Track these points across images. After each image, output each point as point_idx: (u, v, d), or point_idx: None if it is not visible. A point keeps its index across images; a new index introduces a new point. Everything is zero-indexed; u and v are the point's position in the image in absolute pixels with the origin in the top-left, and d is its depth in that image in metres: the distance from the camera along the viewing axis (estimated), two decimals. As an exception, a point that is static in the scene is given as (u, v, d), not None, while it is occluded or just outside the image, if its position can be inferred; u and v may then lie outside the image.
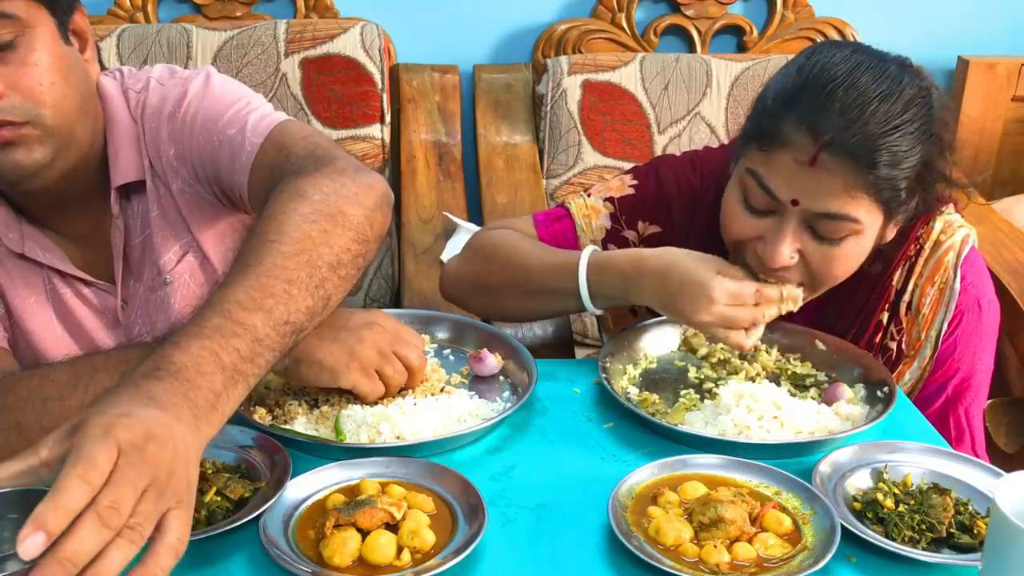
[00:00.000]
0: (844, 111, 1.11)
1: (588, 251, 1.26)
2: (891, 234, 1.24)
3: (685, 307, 1.16)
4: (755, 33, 2.35)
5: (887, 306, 1.32)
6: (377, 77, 2.14)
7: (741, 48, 2.37)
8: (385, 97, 2.16)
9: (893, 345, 1.32)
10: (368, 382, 1.13)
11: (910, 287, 1.30)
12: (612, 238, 1.39)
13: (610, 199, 1.39)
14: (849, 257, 1.20)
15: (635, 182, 1.40)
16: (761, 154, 1.18)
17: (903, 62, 1.18)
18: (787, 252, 1.18)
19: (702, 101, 2.22)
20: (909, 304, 1.31)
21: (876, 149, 1.11)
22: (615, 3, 2.30)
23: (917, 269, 1.30)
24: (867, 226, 1.17)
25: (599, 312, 1.27)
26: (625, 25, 2.32)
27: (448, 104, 2.25)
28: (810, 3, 2.35)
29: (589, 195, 1.41)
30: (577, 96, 2.20)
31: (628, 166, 1.56)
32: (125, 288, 1.31)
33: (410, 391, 1.18)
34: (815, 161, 1.12)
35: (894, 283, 1.31)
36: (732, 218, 1.23)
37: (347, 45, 2.12)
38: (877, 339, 1.33)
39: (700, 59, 2.25)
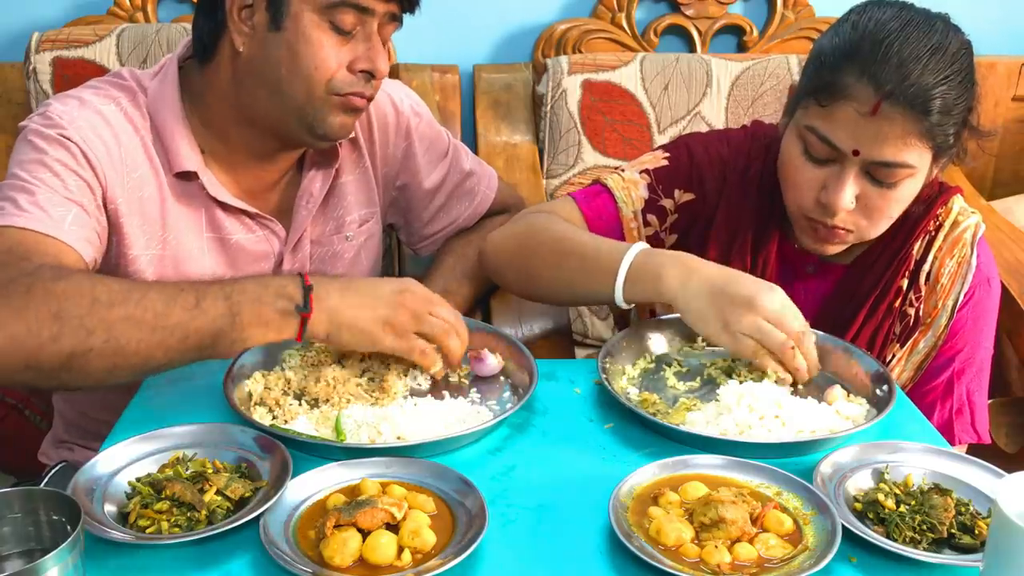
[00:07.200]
0: (902, 64, 1.19)
1: (638, 244, 1.29)
2: (936, 173, 1.30)
3: (728, 311, 1.17)
4: (755, 33, 2.34)
5: (907, 273, 1.38)
6: (377, 77, 2.13)
7: (741, 48, 2.37)
8: (385, 97, 2.15)
9: (911, 311, 1.39)
10: (405, 343, 1.18)
11: (929, 258, 1.38)
12: (650, 207, 1.44)
13: (646, 171, 1.45)
14: (903, 198, 1.29)
15: (667, 155, 1.46)
16: (821, 109, 1.24)
17: (946, 18, 1.26)
18: (849, 197, 1.26)
19: (702, 101, 2.22)
20: (928, 274, 1.37)
21: (931, 98, 1.19)
22: (615, 3, 2.29)
23: (937, 243, 1.37)
24: (920, 169, 1.25)
25: (625, 305, 1.28)
26: (625, 25, 2.32)
27: (448, 104, 2.25)
28: (810, 3, 2.35)
29: (624, 171, 1.47)
30: (577, 96, 2.19)
31: (628, 166, 1.57)
32: (296, 231, 1.46)
33: (460, 364, 1.24)
34: (876, 111, 1.19)
35: (914, 253, 1.38)
36: (794, 170, 1.30)
37: (347, 45, 2.12)
38: (896, 304, 1.39)
39: (700, 59, 2.24)
